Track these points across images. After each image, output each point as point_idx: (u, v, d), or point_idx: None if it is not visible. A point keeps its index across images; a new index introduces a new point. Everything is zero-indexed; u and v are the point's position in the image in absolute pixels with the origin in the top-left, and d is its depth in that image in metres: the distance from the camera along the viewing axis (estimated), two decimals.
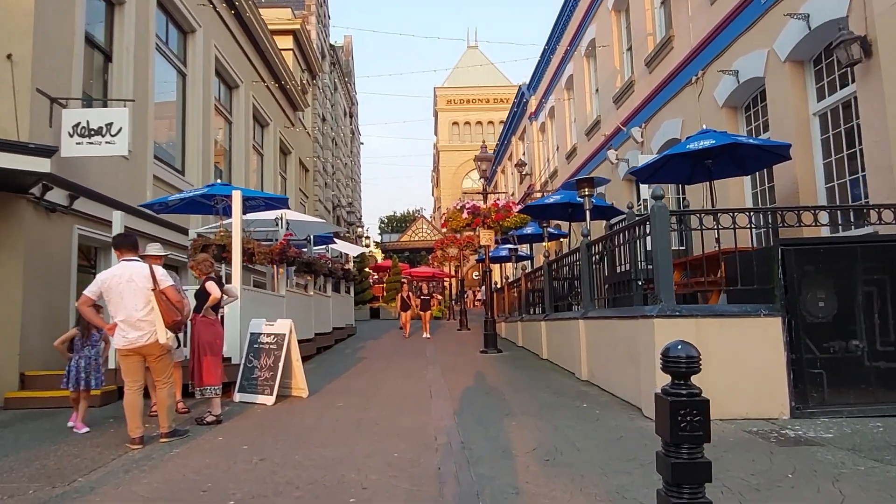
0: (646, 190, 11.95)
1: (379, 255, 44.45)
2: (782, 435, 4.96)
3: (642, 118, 13.82)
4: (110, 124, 7.78)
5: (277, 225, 9.59)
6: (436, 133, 66.18)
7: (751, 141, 7.48)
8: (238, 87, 15.99)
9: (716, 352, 5.61)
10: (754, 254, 5.90)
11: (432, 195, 74.19)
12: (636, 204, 12.99)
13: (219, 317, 6.03)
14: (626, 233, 6.61)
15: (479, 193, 12.85)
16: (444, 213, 12.45)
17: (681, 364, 2.72)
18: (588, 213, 9.67)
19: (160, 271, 4.94)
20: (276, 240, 9.62)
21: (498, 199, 12.45)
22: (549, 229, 13.44)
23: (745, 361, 5.63)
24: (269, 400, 6.66)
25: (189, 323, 5.81)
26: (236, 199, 7.39)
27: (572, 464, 4.24)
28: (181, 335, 6.10)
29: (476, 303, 38.25)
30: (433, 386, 7.89)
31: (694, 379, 5.58)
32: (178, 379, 6.38)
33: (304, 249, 12.30)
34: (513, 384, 7.89)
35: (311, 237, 12.05)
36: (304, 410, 6.37)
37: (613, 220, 12.33)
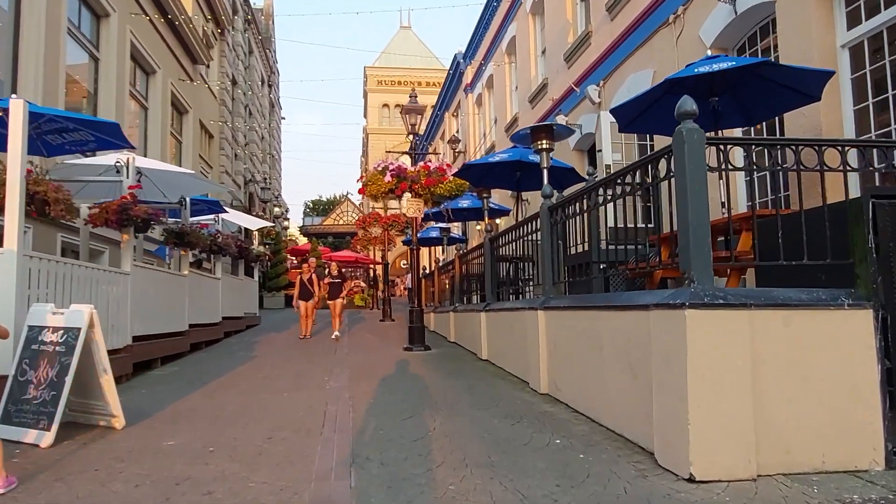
0: (609, 155, 9.89)
1: (303, 241, 41.16)
2: None
3: (600, 75, 11.79)
4: None
5: (119, 173, 6.80)
6: (365, 116, 63.15)
7: (788, 65, 5.43)
8: (108, 17, 12.75)
9: (777, 361, 3.49)
10: (827, 209, 3.78)
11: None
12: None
13: None
14: (633, 175, 4.33)
15: (405, 153, 10.41)
16: (361, 177, 9.93)
17: None
18: (546, 172, 7.43)
19: None
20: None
21: (429, 162, 10.04)
22: (490, 202, 11.16)
23: (818, 377, 3.52)
24: (44, 439, 4.00)
25: None
26: (15, 110, 4.61)
27: None
28: None
29: (403, 291, 35.81)
30: (332, 404, 5.43)
31: (743, 400, 3.11)
32: None
33: (179, 219, 9.50)
34: (447, 401, 5.55)
35: (187, 200, 9.25)
36: (94, 460, 3.76)
37: (567, 191, 10.20)
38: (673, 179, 3.74)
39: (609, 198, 4.78)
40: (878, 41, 6.08)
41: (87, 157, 9.03)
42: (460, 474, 3.41)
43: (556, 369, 5.61)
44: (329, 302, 11.97)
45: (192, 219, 10.55)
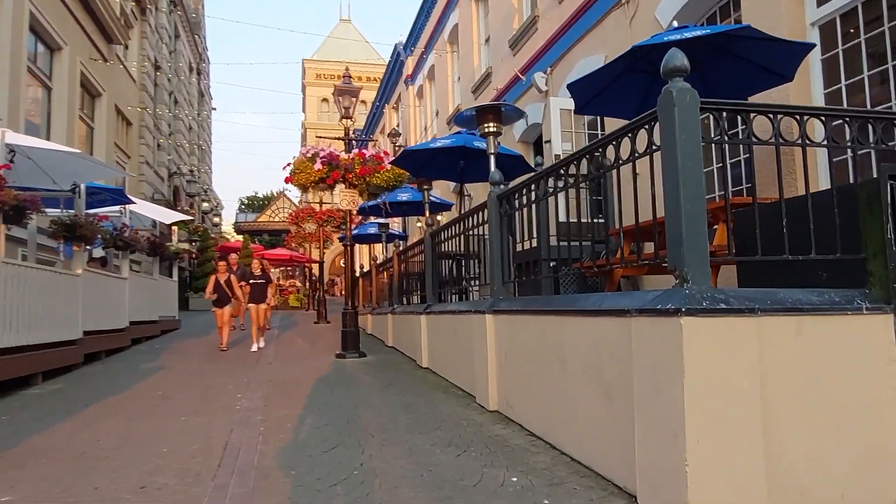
0: (559, 144, 9.22)
1: (237, 238, 39.11)
2: None
3: (547, 62, 11.15)
4: None
5: None
6: (304, 110, 61.19)
7: (768, 35, 4.85)
8: None
9: (788, 379, 2.80)
10: (836, 194, 3.13)
11: None
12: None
13: None
14: (602, 152, 3.57)
15: (339, 139, 9.44)
16: (288, 164, 8.90)
17: None
18: (493, 158, 6.67)
19: None
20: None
21: (364, 149, 9.12)
22: (431, 196, 10.32)
23: (835, 398, 2.86)
24: None
25: None
26: None
27: None
28: None
29: (343, 291, 34.57)
30: (238, 432, 4.46)
31: (751, 432, 2.21)
32: None
33: (72, 210, 8.23)
34: (380, 423, 4.68)
35: (82, 187, 7.99)
36: None
37: (514, 182, 9.49)
38: (657, 154, 3.01)
39: (571, 183, 4.02)
40: (851, 18, 5.60)
41: None
42: None
43: (508, 383, 4.82)
44: (250, 306, 10.26)
45: (92, 209, 9.26)
